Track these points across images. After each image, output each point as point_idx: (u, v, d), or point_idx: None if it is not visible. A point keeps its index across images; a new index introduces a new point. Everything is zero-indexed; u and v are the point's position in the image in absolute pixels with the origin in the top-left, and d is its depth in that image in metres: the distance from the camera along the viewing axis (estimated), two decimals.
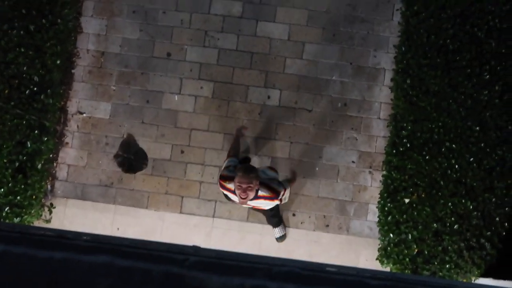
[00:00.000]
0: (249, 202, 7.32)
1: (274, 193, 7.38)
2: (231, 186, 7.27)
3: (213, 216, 9.22)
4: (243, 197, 7.09)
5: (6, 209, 8.70)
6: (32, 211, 8.92)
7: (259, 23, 9.67)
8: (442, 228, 8.55)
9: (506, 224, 8.61)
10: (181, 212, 9.30)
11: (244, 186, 7.01)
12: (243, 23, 9.67)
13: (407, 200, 8.65)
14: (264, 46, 9.61)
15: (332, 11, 9.63)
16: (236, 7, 9.69)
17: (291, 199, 9.24)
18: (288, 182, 8.76)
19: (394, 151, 8.85)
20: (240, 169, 7.14)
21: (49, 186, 9.37)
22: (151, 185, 9.39)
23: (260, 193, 7.25)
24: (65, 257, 3.09)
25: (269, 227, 9.18)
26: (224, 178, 7.41)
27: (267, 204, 7.56)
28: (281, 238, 9.11)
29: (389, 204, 8.73)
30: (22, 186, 8.73)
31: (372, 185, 9.30)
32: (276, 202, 7.52)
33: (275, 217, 8.79)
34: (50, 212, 9.26)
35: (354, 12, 9.62)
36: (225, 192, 7.50)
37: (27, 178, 8.79)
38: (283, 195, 7.56)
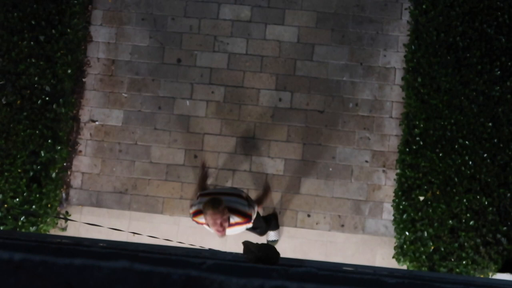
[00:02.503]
0: (227, 232, 7.22)
1: (245, 217, 7.25)
2: (203, 220, 7.14)
3: None
4: (220, 231, 6.99)
5: (22, 218, 8.73)
6: (48, 220, 8.96)
7: (268, 27, 9.68)
8: (457, 225, 8.54)
9: None
10: None
11: (218, 221, 6.92)
12: (252, 27, 9.69)
13: (422, 198, 8.65)
14: (273, 49, 9.63)
15: (341, 12, 9.64)
16: (244, 11, 9.71)
17: (306, 201, 9.24)
18: (256, 200, 8.44)
19: (407, 149, 8.84)
20: (207, 205, 6.93)
21: (64, 195, 9.40)
22: (165, 190, 9.41)
23: (232, 220, 7.14)
24: (84, 263, 3.11)
25: (283, 228, 9.18)
26: (196, 213, 7.25)
27: (242, 229, 7.45)
28: (272, 242, 9.06)
29: (404, 202, 8.73)
30: (37, 195, 8.77)
31: (386, 184, 9.29)
32: (250, 225, 7.40)
33: (264, 229, 8.70)
34: (66, 221, 9.29)
35: (363, 12, 9.63)
36: (202, 226, 7.35)
37: (42, 187, 8.83)
38: (254, 214, 7.45)
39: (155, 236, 8.46)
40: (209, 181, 9.01)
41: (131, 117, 9.55)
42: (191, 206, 7.43)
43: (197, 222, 7.31)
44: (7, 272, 2.80)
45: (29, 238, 3.30)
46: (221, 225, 6.96)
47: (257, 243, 6.87)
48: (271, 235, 9.07)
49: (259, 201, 8.44)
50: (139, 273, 3.10)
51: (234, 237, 9.06)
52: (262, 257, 6.49)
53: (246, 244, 6.56)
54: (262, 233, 8.79)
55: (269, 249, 6.64)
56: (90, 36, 9.76)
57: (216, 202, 6.96)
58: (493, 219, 8.55)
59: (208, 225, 7.14)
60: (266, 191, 8.98)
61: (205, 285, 3.08)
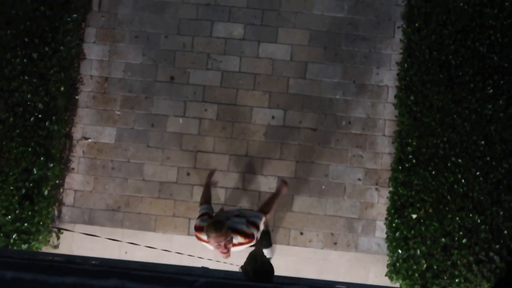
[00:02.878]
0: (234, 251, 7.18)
1: (248, 238, 7.16)
2: (205, 237, 7.08)
3: None
4: (224, 252, 6.96)
5: (13, 236, 8.70)
6: (40, 237, 8.93)
7: (261, 44, 9.70)
8: (450, 243, 8.54)
9: None
10: (188, 234, 9.29)
11: (222, 243, 6.87)
12: (245, 45, 9.71)
13: (414, 216, 8.65)
14: (266, 67, 9.64)
15: (334, 30, 9.66)
16: (237, 29, 9.73)
17: (299, 219, 9.24)
18: (263, 211, 8.29)
19: (400, 167, 8.85)
20: (209, 228, 6.85)
21: (56, 212, 9.38)
22: (158, 208, 9.40)
23: (235, 241, 7.07)
24: (75, 282, 3.10)
25: (276, 246, 9.17)
26: (199, 229, 7.19)
27: (247, 247, 7.40)
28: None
29: (396, 220, 8.73)
30: (29, 213, 8.75)
31: (379, 202, 9.30)
32: (253, 242, 7.24)
33: (260, 245, 8.62)
34: (58, 238, 9.28)
35: (355, 31, 9.66)
36: (202, 243, 7.25)
37: (34, 204, 8.80)
38: (258, 232, 7.32)
39: (153, 246, 8.42)
40: (216, 187, 8.93)
41: (124, 134, 9.55)
42: (198, 218, 7.39)
43: (199, 239, 7.21)
44: None
45: (21, 256, 3.29)
46: (225, 247, 6.92)
47: (265, 256, 6.86)
48: (264, 253, 9.04)
49: (268, 206, 8.13)
50: None
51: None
52: (260, 271, 6.50)
53: (255, 252, 6.56)
54: (266, 246, 8.76)
55: (270, 267, 6.65)
56: (83, 53, 9.76)
57: (219, 225, 6.87)
58: (486, 237, 8.55)
59: (209, 243, 7.13)
60: (277, 193, 8.43)
61: None
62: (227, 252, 6.99)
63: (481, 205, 8.64)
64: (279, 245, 9.25)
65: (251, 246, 7.35)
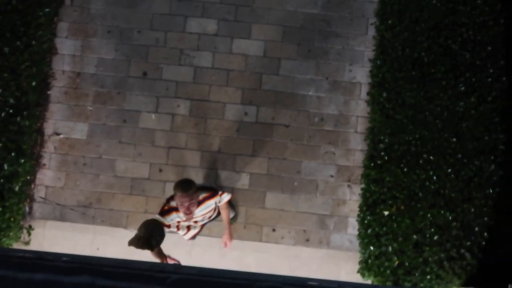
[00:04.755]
0: (196, 213, 7.42)
1: (212, 191, 7.52)
2: (172, 216, 7.42)
3: None
4: (187, 213, 7.19)
5: None
6: (11, 234, 8.85)
7: (234, 40, 9.69)
8: (422, 240, 8.58)
9: (485, 234, 8.65)
10: None
11: (186, 204, 7.09)
12: (218, 41, 9.69)
13: (386, 213, 8.67)
14: (240, 63, 9.63)
15: (307, 27, 9.67)
16: (211, 25, 9.71)
17: (271, 215, 9.24)
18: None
19: (372, 164, 8.88)
20: (177, 187, 7.13)
21: (27, 208, 9.31)
22: (130, 204, 9.36)
23: (200, 197, 7.34)
24: (45, 279, 3.07)
25: (251, 243, 9.17)
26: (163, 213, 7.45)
27: (210, 206, 7.58)
28: (233, 219, 9.05)
29: (368, 217, 8.75)
30: (0, 209, 8.67)
31: (351, 199, 9.32)
32: (217, 197, 7.57)
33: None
34: (29, 234, 9.21)
35: (329, 27, 9.67)
36: (170, 220, 7.46)
37: (5, 200, 8.72)
38: (221, 194, 7.62)
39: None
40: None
41: (96, 130, 9.50)
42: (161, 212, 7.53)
43: (163, 223, 7.35)
44: None
45: None
46: (188, 208, 7.14)
47: (157, 226, 7.06)
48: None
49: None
50: None
51: (201, 250, 9.02)
52: (143, 237, 6.76)
53: (150, 221, 6.88)
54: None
55: (157, 230, 6.90)
56: (55, 48, 9.70)
57: (187, 185, 7.13)
58: (457, 234, 8.60)
59: (169, 226, 7.39)
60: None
61: None
62: (189, 214, 7.22)
63: (452, 202, 8.68)
64: (252, 241, 9.24)
65: (218, 201, 7.65)
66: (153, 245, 7.01)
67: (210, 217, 7.90)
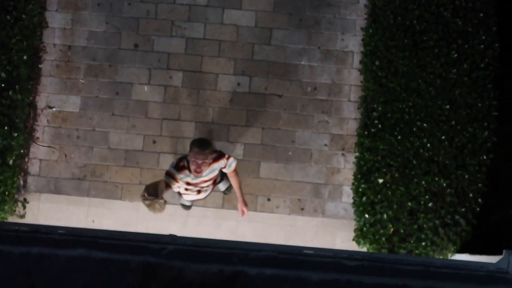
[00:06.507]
0: (203, 175, 7.53)
1: (223, 155, 7.63)
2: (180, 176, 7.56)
3: None
4: (197, 171, 7.31)
5: None
6: (6, 207, 8.85)
7: (225, 11, 9.66)
8: (416, 207, 8.60)
9: (479, 200, 8.67)
10: None
11: (199, 162, 7.22)
12: (209, 12, 9.65)
13: (380, 181, 8.69)
14: (231, 34, 9.60)
15: None
16: None
17: (266, 185, 9.26)
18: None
19: (366, 132, 8.88)
20: (195, 143, 7.30)
21: (21, 182, 9.31)
22: (124, 176, 9.36)
23: (213, 155, 7.49)
24: (41, 252, 3.06)
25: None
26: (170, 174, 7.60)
27: (216, 169, 7.70)
28: (227, 190, 9.08)
29: (363, 185, 8.77)
30: None
31: (345, 167, 9.34)
32: (223, 160, 7.65)
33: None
34: (24, 208, 9.22)
35: None
36: (181, 178, 7.61)
37: None
38: (227, 157, 7.70)
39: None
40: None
41: (88, 103, 9.48)
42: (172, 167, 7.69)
43: (168, 185, 7.55)
44: None
45: None
46: (199, 166, 7.27)
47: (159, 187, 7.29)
48: (221, 186, 8.96)
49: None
50: (97, 261, 3.06)
51: (196, 221, 9.04)
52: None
53: (158, 182, 7.10)
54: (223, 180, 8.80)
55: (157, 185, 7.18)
56: (45, 22, 9.65)
57: (204, 143, 7.32)
58: (451, 200, 8.62)
59: (177, 181, 7.56)
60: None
61: (164, 272, 3.07)
62: (199, 172, 7.33)
63: (446, 169, 8.70)
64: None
65: (224, 163, 7.70)
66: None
67: (215, 180, 8.01)
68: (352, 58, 9.53)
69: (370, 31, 9.14)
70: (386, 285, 3.32)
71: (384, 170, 8.72)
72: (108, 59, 9.55)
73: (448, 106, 8.80)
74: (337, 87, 9.46)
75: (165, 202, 7.43)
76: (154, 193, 7.30)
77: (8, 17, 8.99)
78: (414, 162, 8.69)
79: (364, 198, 8.72)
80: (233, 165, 7.74)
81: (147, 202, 7.31)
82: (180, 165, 7.53)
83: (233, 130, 9.41)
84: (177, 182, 7.53)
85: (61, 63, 9.56)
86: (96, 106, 9.47)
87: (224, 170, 7.79)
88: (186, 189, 7.75)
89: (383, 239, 8.60)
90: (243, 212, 8.28)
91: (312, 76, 9.48)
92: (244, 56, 9.54)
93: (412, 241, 8.56)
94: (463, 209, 8.61)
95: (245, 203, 8.28)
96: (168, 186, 7.52)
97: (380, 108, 8.83)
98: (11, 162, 8.85)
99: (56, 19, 9.66)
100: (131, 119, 9.44)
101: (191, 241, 3.40)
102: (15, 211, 9.16)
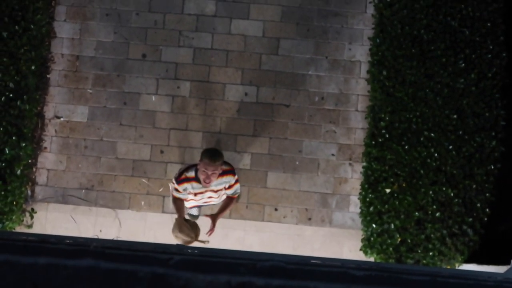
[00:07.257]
0: (211, 185, 7.52)
1: (232, 167, 7.67)
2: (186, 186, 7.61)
3: None
4: (206, 182, 7.30)
5: None
6: (13, 217, 8.86)
7: (233, 21, 9.68)
8: (424, 217, 8.59)
9: (487, 210, 8.66)
10: (163, 212, 9.29)
11: (209, 172, 7.21)
12: (217, 22, 9.68)
13: (388, 190, 8.68)
14: (239, 44, 9.62)
15: (305, 6, 9.66)
16: (209, 6, 9.69)
17: (273, 195, 9.26)
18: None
19: (373, 142, 8.87)
20: (206, 153, 7.29)
21: (29, 192, 9.32)
22: (132, 186, 9.38)
23: (223, 167, 7.46)
24: (49, 262, 3.07)
25: (253, 223, 9.19)
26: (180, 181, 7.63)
27: (224, 183, 7.67)
28: (196, 217, 8.99)
29: (370, 195, 8.76)
30: (2, 193, 8.67)
31: (353, 177, 9.33)
32: (233, 177, 7.66)
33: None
34: (32, 217, 9.23)
35: (327, 6, 9.65)
36: (183, 189, 7.66)
37: (7, 184, 8.73)
38: (237, 178, 7.74)
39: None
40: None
41: (96, 113, 9.50)
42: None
43: (177, 190, 7.64)
44: None
45: None
46: (209, 177, 7.25)
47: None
48: (193, 210, 8.90)
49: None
50: (104, 271, 3.07)
51: (203, 231, 9.06)
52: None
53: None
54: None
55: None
56: (53, 32, 9.68)
57: (216, 155, 7.28)
58: (459, 210, 8.61)
59: (193, 180, 7.56)
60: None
61: (171, 282, 3.06)
62: (208, 182, 7.32)
63: (454, 179, 8.69)
64: (254, 221, 9.27)
65: (233, 181, 7.72)
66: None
67: (219, 195, 7.98)
68: (360, 67, 9.54)
69: (378, 40, 9.14)
70: None
71: (392, 179, 8.71)
72: (116, 69, 9.57)
73: (455, 116, 8.79)
74: (344, 97, 9.47)
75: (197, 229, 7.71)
76: (188, 232, 7.56)
77: (16, 27, 9.03)
78: (422, 171, 8.69)
79: (371, 208, 8.72)
80: (238, 191, 7.84)
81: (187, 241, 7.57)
82: (182, 178, 7.58)
83: (240, 140, 9.42)
84: (180, 193, 7.62)
85: (69, 73, 9.59)
86: (104, 116, 9.49)
87: (227, 192, 7.80)
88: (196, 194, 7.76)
89: (391, 249, 8.59)
90: (212, 231, 8.10)
91: (319, 86, 9.49)
92: (251, 66, 9.55)
93: (419, 251, 8.55)
94: (470, 219, 8.60)
95: (215, 224, 8.04)
96: (180, 200, 7.61)
97: (387, 118, 8.83)
98: (19, 172, 8.88)
99: (64, 29, 9.70)
100: (138, 129, 9.46)
101: (198, 251, 3.41)
102: (22, 221, 9.17)
